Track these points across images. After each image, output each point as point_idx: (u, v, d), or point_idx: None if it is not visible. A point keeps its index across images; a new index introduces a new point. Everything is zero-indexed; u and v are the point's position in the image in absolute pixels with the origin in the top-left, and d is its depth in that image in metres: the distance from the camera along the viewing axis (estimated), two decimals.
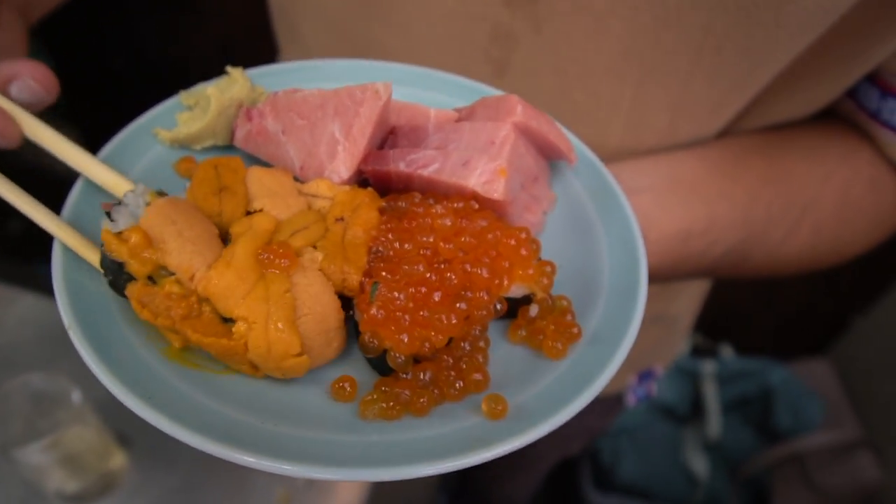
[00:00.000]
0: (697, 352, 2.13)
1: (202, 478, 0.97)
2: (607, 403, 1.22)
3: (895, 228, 0.77)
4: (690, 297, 1.10)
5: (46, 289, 1.23)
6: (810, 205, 0.71)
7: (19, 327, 1.12)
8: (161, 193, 0.47)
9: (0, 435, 0.85)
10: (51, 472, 0.89)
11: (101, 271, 0.46)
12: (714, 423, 2.00)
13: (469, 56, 0.69)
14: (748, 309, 2.20)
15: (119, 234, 0.44)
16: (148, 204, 0.46)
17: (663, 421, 2.05)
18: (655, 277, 0.69)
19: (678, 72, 0.63)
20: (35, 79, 0.47)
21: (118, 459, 0.97)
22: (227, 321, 0.44)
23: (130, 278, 0.44)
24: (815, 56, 0.62)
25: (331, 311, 0.45)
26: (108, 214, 0.46)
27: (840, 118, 0.74)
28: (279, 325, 0.42)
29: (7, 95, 0.49)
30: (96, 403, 0.93)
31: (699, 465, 1.96)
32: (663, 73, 0.63)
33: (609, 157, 0.71)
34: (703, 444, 2.00)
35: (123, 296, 0.45)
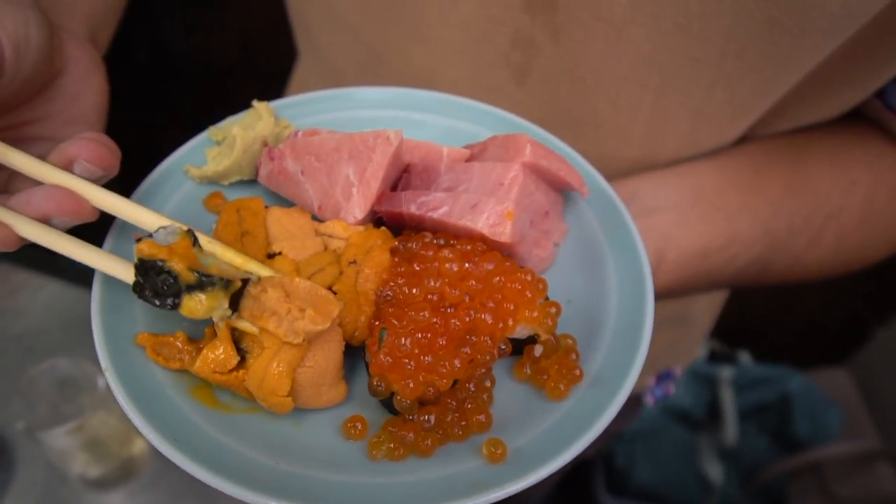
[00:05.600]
0: (715, 357, 2.12)
1: None
2: (626, 404, 1.23)
3: None
4: (709, 299, 1.10)
5: (73, 277, 1.25)
6: (834, 214, 0.71)
7: (46, 314, 1.16)
8: (190, 233, 0.48)
9: (26, 418, 0.88)
10: (74, 455, 0.92)
11: (134, 286, 0.45)
12: (730, 429, 1.99)
13: (489, 61, 0.69)
14: (767, 316, 2.19)
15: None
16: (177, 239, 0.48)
17: (679, 426, 2.05)
18: (673, 294, 0.70)
19: (700, 78, 0.63)
20: (89, 160, 0.48)
21: (139, 447, 1.00)
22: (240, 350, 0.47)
23: (168, 283, 0.44)
24: (846, 58, 0.62)
25: (332, 368, 0.47)
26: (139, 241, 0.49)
27: (865, 119, 0.74)
28: (280, 365, 0.45)
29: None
30: None
31: (714, 471, 1.97)
32: (684, 80, 0.64)
33: (628, 165, 0.71)
34: (718, 451, 2.00)
35: (156, 305, 0.45)
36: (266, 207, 0.55)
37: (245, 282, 0.46)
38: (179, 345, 0.48)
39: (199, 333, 0.49)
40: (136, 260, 0.45)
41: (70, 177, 0.49)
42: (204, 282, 0.44)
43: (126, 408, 0.42)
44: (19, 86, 0.48)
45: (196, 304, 0.44)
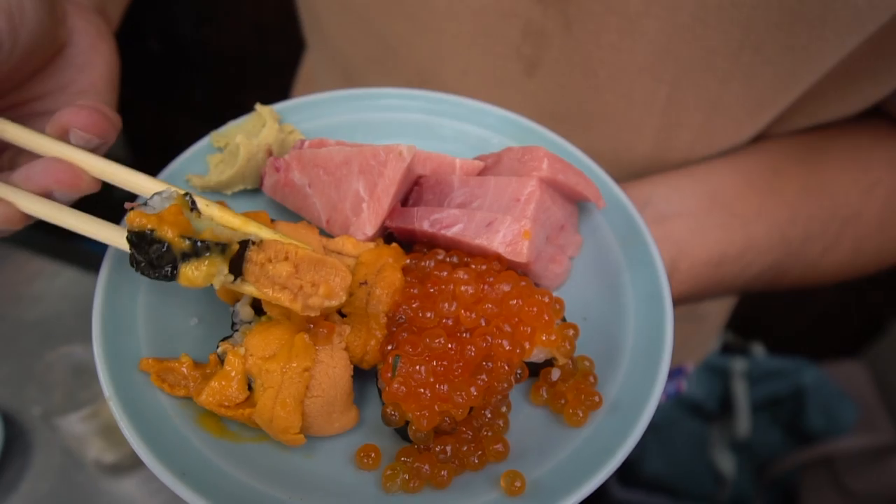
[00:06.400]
0: (728, 349, 2.11)
1: None
2: None
3: None
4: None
5: (88, 264, 1.26)
6: (852, 219, 0.69)
7: (61, 301, 1.16)
8: (187, 196, 0.45)
9: (42, 403, 0.88)
10: (90, 441, 0.92)
11: (130, 260, 0.43)
12: (743, 421, 1.98)
13: (499, 53, 0.68)
14: (781, 308, 2.17)
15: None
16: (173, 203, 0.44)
17: (691, 417, 2.04)
18: (685, 302, 0.68)
19: (716, 70, 0.61)
20: (82, 127, 0.46)
21: None
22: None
23: (161, 252, 0.41)
24: (870, 53, 0.60)
25: (342, 394, 0.46)
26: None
27: (886, 117, 0.71)
28: (287, 401, 0.44)
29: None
30: None
31: (726, 463, 1.96)
32: (700, 72, 0.62)
33: (641, 160, 0.69)
34: (730, 443, 1.99)
35: (153, 276, 0.42)
36: (272, 222, 0.54)
37: (243, 244, 0.43)
38: (185, 370, 0.47)
39: (205, 357, 0.48)
40: (126, 232, 0.42)
41: (68, 147, 0.47)
42: (199, 248, 0.42)
43: (132, 441, 0.41)
44: (20, 57, 0.47)
45: (193, 272, 0.42)
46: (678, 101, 0.64)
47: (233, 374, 0.45)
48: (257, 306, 0.49)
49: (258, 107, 0.60)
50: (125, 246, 0.43)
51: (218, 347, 0.47)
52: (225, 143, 0.59)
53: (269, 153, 0.57)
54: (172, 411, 0.45)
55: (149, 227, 0.41)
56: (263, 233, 0.45)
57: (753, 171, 0.69)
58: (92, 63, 0.53)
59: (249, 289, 0.43)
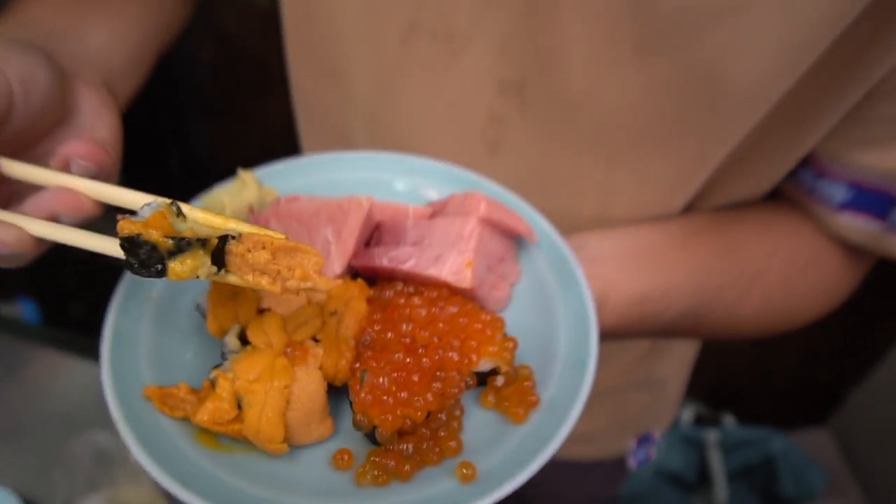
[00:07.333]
0: (701, 420, 2.15)
1: None
2: (609, 468, 1.24)
3: (841, 298, 0.85)
4: (676, 361, 1.15)
5: None
6: (759, 275, 0.79)
7: (83, 393, 1.22)
8: (173, 204, 0.50)
9: (64, 487, 0.93)
10: None
11: (125, 263, 0.48)
12: (721, 490, 2.00)
13: (467, 137, 0.79)
14: (747, 379, 2.24)
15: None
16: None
17: (671, 489, 2.05)
18: (614, 336, 0.77)
19: (639, 151, 0.73)
20: (81, 157, 0.52)
21: None
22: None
23: (150, 253, 0.46)
24: (759, 140, 0.71)
25: (317, 407, 0.53)
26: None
27: (785, 197, 0.83)
28: (270, 415, 0.51)
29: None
30: None
31: None
32: (628, 152, 0.73)
33: (585, 221, 0.80)
34: None
35: (145, 275, 0.47)
36: None
37: (223, 239, 0.48)
38: (183, 395, 0.54)
39: (199, 384, 0.55)
40: (119, 239, 0.48)
41: (69, 177, 0.53)
42: (182, 245, 0.47)
43: (141, 457, 0.48)
44: (32, 119, 0.54)
45: (179, 266, 0.46)
46: (613, 175, 0.76)
47: (224, 395, 0.52)
48: (243, 338, 0.56)
49: (240, 171, 0.70)
50: (120, 253, 0.49)
51: (211, 374, 0.54)
52: (211, 205, 0.68)
53: (251, 210, 0.67)
54: (173, 430, 0.52)
55: (136, 232, 0.47)
56: (242, 227, 0.51)
57: (676, 231, 0.80)
58: (95, 127, 0.59)
59: (233, 278, 0.49)
